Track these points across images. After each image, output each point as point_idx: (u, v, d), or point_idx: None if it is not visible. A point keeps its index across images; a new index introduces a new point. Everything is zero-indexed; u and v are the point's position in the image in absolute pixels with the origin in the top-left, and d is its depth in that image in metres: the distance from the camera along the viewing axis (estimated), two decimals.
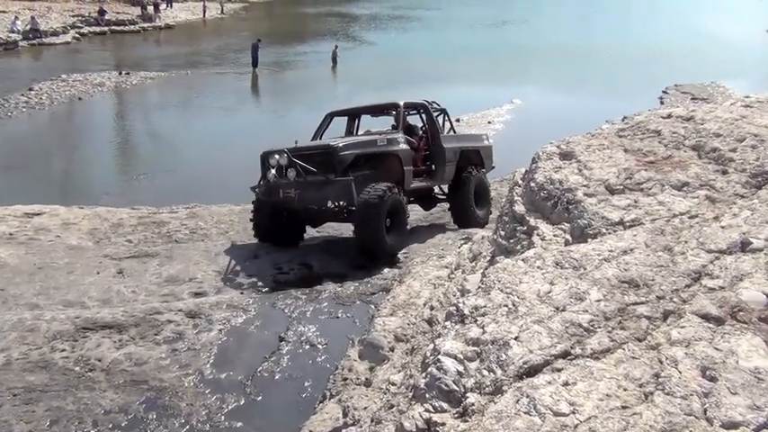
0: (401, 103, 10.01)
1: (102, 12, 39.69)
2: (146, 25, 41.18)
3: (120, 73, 26.57)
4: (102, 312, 6.17)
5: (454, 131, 11.16)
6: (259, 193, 8.78)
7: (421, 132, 10.46)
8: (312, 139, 9.90)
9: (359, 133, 10.57)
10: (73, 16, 38.44)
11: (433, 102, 10.76)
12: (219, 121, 21.03)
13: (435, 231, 9.18)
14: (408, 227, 8.93)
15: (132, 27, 40.19)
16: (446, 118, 10.86)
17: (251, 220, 9.06)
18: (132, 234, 9.85)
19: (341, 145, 8.55)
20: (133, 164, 16.66)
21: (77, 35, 35.80)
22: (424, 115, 10.45)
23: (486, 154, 10.92)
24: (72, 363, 5.32)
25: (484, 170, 10.58)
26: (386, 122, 10.94)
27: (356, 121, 10.97)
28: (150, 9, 43.23)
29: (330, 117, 10.52)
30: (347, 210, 8.53)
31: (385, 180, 8.36)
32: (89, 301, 6.63)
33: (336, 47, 31.53)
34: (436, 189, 10.63)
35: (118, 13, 41.70)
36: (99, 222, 10.25)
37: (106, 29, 38.59)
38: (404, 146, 9.28)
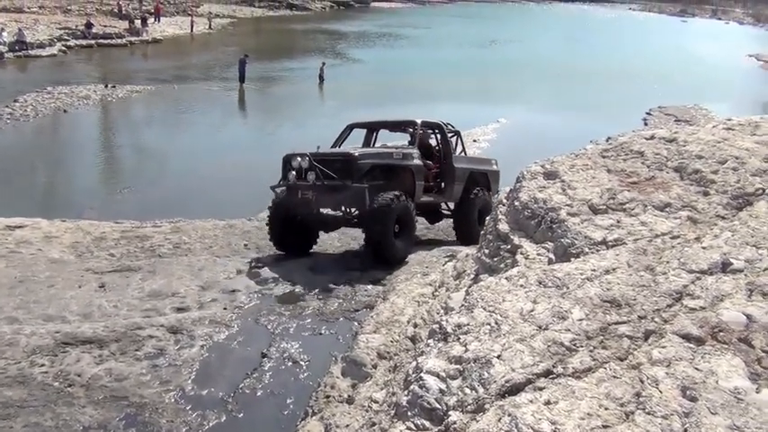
0: (418, 122, 10.50)
1: (89, 25, 39.60)
2: (133, 39, 41.07)
3: (107, 86, 26.43)
4: (82, 327, 6.11)
5: (465, 153, 11.57)
6: (278, 193, 9.29)
7: (435, 151, 10.89)
8: (332, 147, 10.40)
9: (376, 146, 11.07)
10: (60, 29, 38.33)
11: (448, 123, 11.23)
12: (205, 136, 20.97)
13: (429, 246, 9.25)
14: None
15: (119, 41, 40.07)
16: (459, 140, 11.36)
17: (267, 224, 9.44)
18: (115, 248, 9.77)
19: (359, 153, 9.18)
20: (117, 177, 16.53)
21: (64, 48, 35.62)
22: (438, 135, 10.93)
23: (494, 178, 11.31)
24: (51, 378, 5.26)
25: (490, 192, 10.92)
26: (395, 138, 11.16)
27: (374, 134, 11.46)
28: (138, 23, 43.20)
29: (350, 128, 11.04)
30: (358, 215, 8.99)
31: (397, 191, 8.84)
32: (70, 316, 6.54)
33: (323, 64, 31.56)
34: (443, 205, 11.03)
35: (105, 26, 41.62)
36: (81, 236, 10.16)
37: (93, 42, 38.44)
38: (417, 161, 9.72)
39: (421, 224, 11.25)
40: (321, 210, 9.14)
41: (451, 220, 10.94)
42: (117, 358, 5.60)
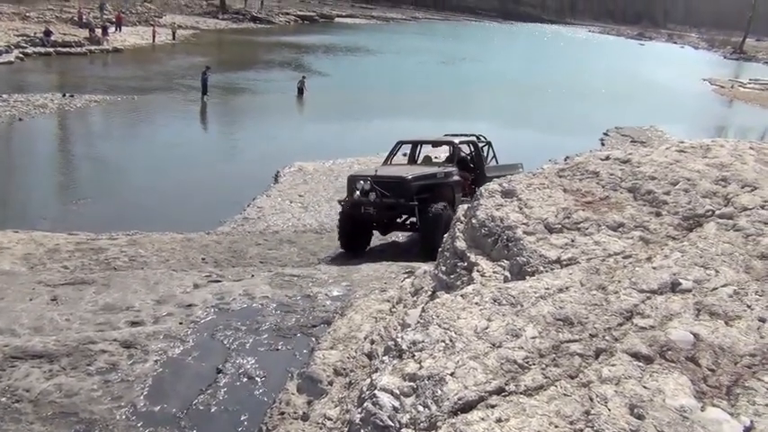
0: (456, 141, 12.90)
1: (48, 32, 38.94)
2: (93, 48, 40.51)
3: (64, 95, 25.95)
4: (32, 341, 5.95)
5: (497, 160, 13.68)
6: (345, 207, 11.41)
7: (469, 162, 13.02)
8: (384, 163, 12.98)
9: (419, 157, 13.56)
10: (17, 36, 37.63)
11: (481, 135, 13.72)
12: (164, 148, 20.74)
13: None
14: None
15: (79, 49, 39.46)
16: (490, 149, 13.65)
17: (338, 227, 11.60)
18: (68, 260, 9.58)
19: (410, 177, 11.19)
20: (73, 188, 16.23)
21: (21, 55, 34.95)
22: (472, 147, 13.12)
23: None
24: None
25: None
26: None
27: (418, 148, 13.67)
28: (98, 32, 42.64)
29: (399, 144, 13.28)
30: (412, 223, 11.40)
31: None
32: (20, 329, 6.37)
33: (304, 77, 31.58)
34: None
35: (65, 34, 40.96)
36: (34, 247, 9.95)
37: (52, 50, 37.80)
38: (456, 177, 11.93)
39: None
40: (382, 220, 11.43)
41: None
42: (68, 373, 5.46)
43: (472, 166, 12.95)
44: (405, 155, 13.77)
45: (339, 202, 11.82)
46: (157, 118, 25.13)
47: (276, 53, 48.19)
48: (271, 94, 31.59)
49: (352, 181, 11.44)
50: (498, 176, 11.39)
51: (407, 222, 11.66)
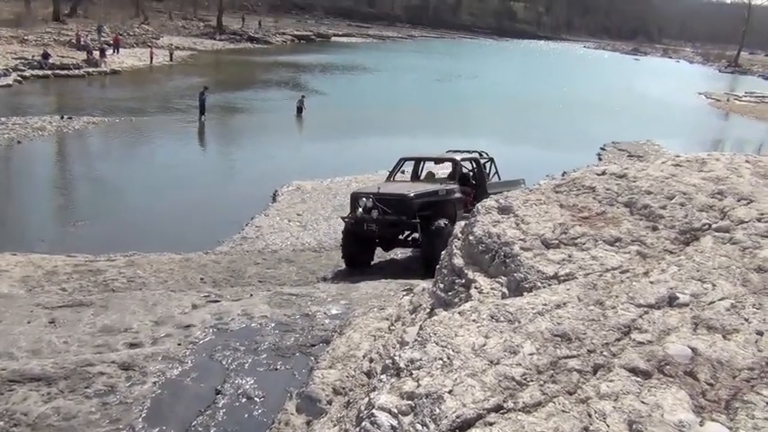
0: (458, 159, 13.04)
1: (46, 55, 39.08)
2: (91, 70, 40.63)
3: (62, 117, 25.98)
4: (30, 364, 5.93)
5: (499, 177, 13.85)
6: (348, 223, 11.60)
7: (471, 178, 13.33)
8: (387, 179, 13.27)
9: (422, 173, 13.67)
10: (15, 59, 37.72)
11: (483, 152, 14.04)
12: (162, 169, 20.76)
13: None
14: None
15: (77, 71, 39.58)
16: (492, 165, 13.88)
17: (341, 245, 11.81)
18: (67, 282, 9.56)
19: (412, 195, 11.33)
20: (71, 210, 16.22)
21: (19, 78, 35.00)
22: (474, 164, 13.36)
23: None
24: None
25: None
26: None
27: (421, 164, 13.83)
28: (96, 54, 42.82)
29: (402, 161, 13.47)
30: (414, 239, 11.70)
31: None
32: (18, 352, 6.35)
33: (303, 96, 31.73)
34: None
35: (62, 56, 41.08)
36: (32, 270, 9.93)
37: (50, 72, 37.91)
38: (458, 194, 12.11)
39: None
40: (384, 236, 11.64)
41: None
42: (65, 396, 5.44)
43: (474, 183, 13.17)
44: (403, 172, 13.81)
45: (342, 218, 11.96)
46: (155, 139, 25.17)
47: (273, 73, 48.38)
48: (268, 114, 31.67)
49: (355, 198, 11.57)
50: (501, 192, 11.77)
51: (410, 238, 11.83)
